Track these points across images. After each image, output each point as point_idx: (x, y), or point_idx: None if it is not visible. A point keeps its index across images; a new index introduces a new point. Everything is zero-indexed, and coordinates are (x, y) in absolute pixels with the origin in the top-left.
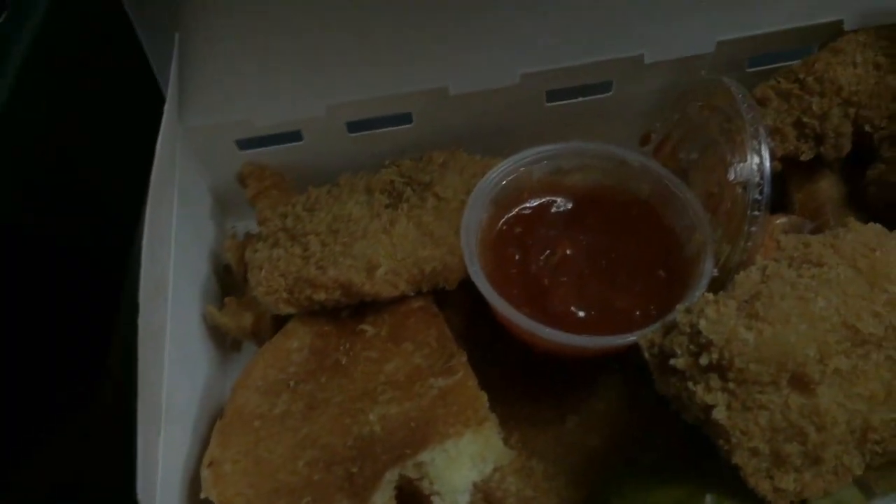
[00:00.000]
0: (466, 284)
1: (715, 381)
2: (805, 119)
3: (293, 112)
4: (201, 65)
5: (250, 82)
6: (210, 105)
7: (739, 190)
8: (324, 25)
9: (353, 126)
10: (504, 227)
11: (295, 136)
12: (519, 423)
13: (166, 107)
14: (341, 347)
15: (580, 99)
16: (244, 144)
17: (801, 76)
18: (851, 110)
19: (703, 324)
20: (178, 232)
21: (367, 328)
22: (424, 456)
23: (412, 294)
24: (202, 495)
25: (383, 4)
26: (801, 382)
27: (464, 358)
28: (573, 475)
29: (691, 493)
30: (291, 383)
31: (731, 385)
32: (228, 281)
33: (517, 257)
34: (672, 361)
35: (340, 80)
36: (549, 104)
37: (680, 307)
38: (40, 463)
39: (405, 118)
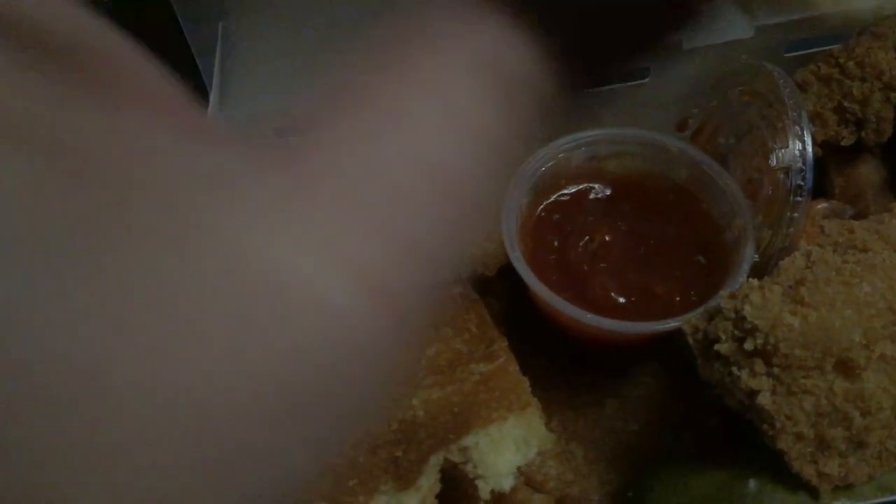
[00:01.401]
0: (505, 271)
1: (760, 366)
2: (846, 104)
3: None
4: (243, 55)
5: (292, 73)
6: (250, 94)
7: (781, 175)
8: (364, 16)
9: None
10: (542, 214)
11: None
12: (559, 407)
13: (211, 97)
14: None
15: (618, 85)
16: (282, 133)
17: (842, 61)
18: (893, 94)
19: (748, 309)
20: None
21: None
22: (468, 440)
23: (451, 280)
24: None
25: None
26: (846, 367)
27: (505, 343)
28: (613, 459)
29: (734, 478)
30: None
31: (776, 370)
32: None
33: (556, 244)
34: (716, 347)
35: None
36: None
37: (724, 293)
38: None
39: None
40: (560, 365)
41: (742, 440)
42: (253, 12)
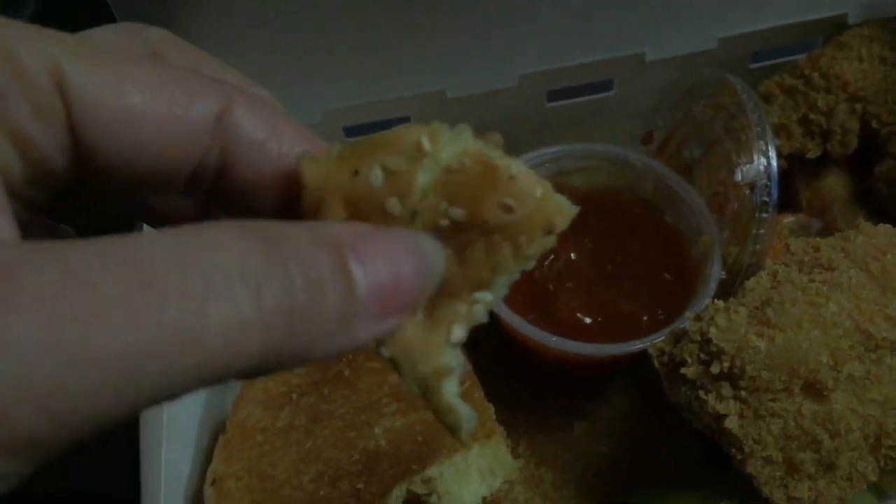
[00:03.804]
0: None
1: (726, 389)
2: (811, 115)
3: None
4: None
5: None
6: None
7: (746, 191)
8: (320, 29)
9: (351, 131)
10: None
11: None
12: (527, 430)
13: None
14: (344, 359)
15: (581, 99)
16: None
17: (806, 72)
18: (858, 106)
19: (713, 332)
20: None
21: None
22: (432, 471)
23: None
24: None
25: (378, 8)
26: (814, 389)
27: (469, 367)
28: (582, 483)
29: (705, 502)
30: (294, 396)
31: (743, 393)
32: None
33: None
34: (683, 370)
35: (338, 84)
36: (549, 105)
37: (689, 314)
38: (42, 478)
39: (404, 122)
40: (527, 387)
41: (714, 461)
42: (202, 30)
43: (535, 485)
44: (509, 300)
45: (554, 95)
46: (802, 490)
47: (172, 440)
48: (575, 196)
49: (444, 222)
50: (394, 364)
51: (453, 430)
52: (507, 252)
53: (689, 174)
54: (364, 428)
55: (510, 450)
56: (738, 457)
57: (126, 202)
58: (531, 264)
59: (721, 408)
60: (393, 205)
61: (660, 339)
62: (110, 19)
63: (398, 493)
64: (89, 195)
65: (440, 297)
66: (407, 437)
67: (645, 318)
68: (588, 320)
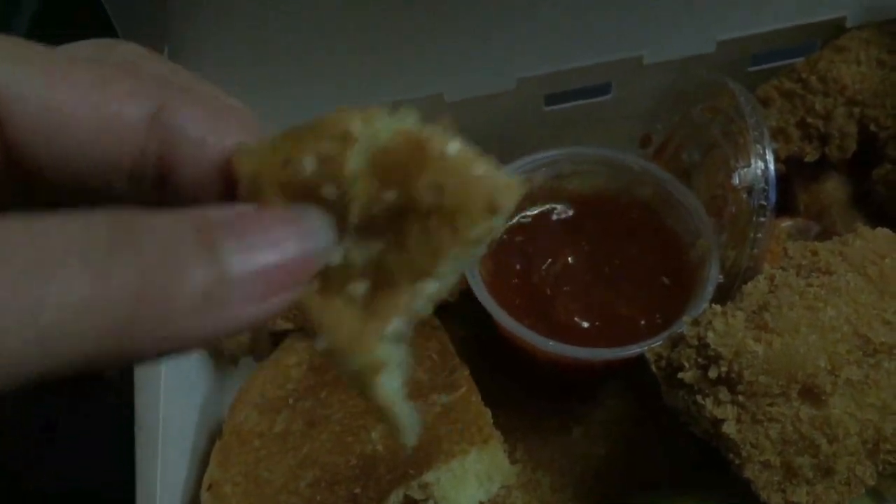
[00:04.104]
0: (468, 295)
1: (724, 394)
2: (809, 119)
3: (286, 123)
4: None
5: (242, 96)
6: None
7: (744, 195)
8: (316, 34)
9: None
10: (504, 236)
11: None
12: (524, 434)
13: None
14: None
15: (579, 102)
16: None
17: (804, 75)
18: (856, 109)
19: (711, 336)
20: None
21: None
22: (429, 476)
23: None
24: None
25: (375, 13)
26: (811, 394)
27: (466, 372)
28: (580, 487)
29: None
30: (291, 400)
31: (741, 398)
32: None
33: (518, 267)
34: (680, 375)
35: (334, 88)
36: (547, 108)
37: (687, 319)
38: (37, 479)
39: None
40: (525, 391)
41: (711, 465)
42: (200, 38)
43: (532, 489)
44: (507, 304)
45: (552, 99)
46: (800, 495)
47: (168, 445)
48: (572, 200)
49: (380, 207)
50: (328, 357)
51: (394, 432)
52: (446, 236)
53: (688, 178)
54: (361, 432)
55: (507, 454)
56: (736, 461)
57: (72, 200)
58: (480, 249)
59: (719, 412)
60: (328, 189)
61: (657, 343)
62: (109, 21)
63: (395, 498)
64: (34, 195)
65: (381, 287)
66: None
67: (642, 321)
68: (586, 324)
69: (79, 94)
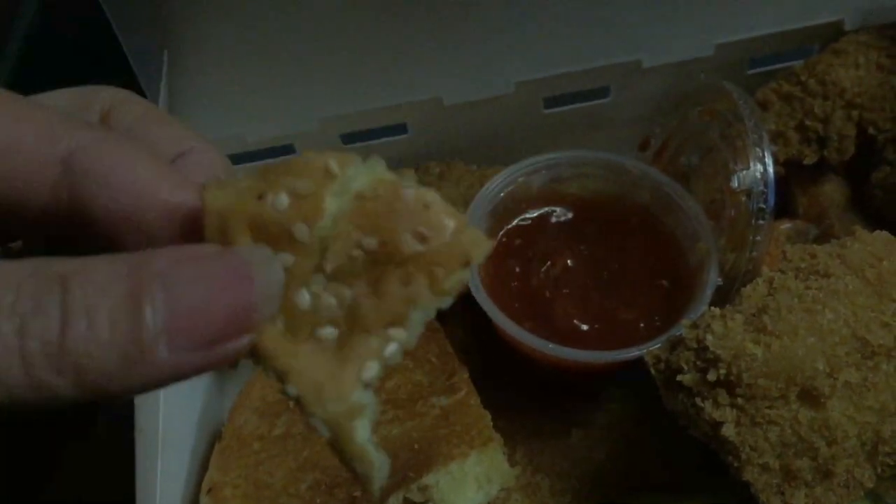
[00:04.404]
0: (467, 298)
1: (723, 396)
2: (808, 122)
3: (285, 126)
4: (191, 82)
5: (241, 98)
6: (201, 121)
7: (743, 198)
8: (316, 38)
9: (348, 138)
10: (504, 239)
11: (288, 150)
12: (523, 437)
13: None
14: None
15: (577, 105)
16: (237, 160)
17: (803, 78)
18: (855, 112)
19: (710, 339)
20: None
21: None
22: (429, 479)
23: None
24: None
25: (374, 16)
26: (810, 396)
27: (466, 374)
28: (579, 490)
29: None
30: (291, 404)
31: (740, 401)
32: None
33: (518, 270)
34: (679, 377)
35: (333, 92)
36: (545, 111)
37: (685, 322)
38: (40, 490)
39: (400, 129)
40: (524, 394)
41: (710, 468)
42: (199, 40)
43: (532, 492)
44: (506, 306)
45: (550, 102)
46: (799, 497)
47: (168, 448)
48: (571, 203)
49: (358, 253)
50: (299, 403)
51: (364, 478)
52: (423, 284)
53: (686, 181)
54: None
55: (507, 457)
56: (735, 464)
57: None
58: (448, 301)
59: (718, 415)
60: (300, 230)
61: (656, 346)
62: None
63: (395, 501)
64: None
65: (353, 332)
66: (404, 445)
67: (642, 324)
68: (585, 327)
69: None
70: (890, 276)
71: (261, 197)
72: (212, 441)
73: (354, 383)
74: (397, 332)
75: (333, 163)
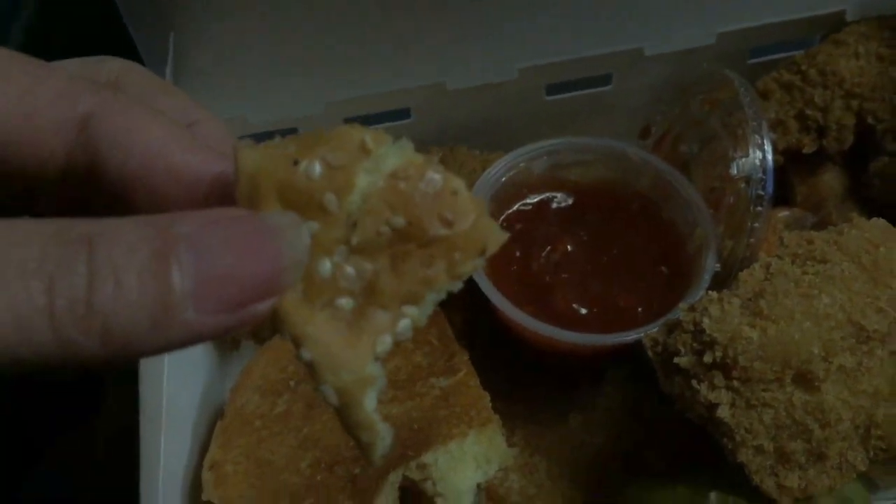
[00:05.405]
0: (467, 282)
1: (719, 379)
2: (807, 111)
3: (291, 109)
4: (196, 64)
5: (247, 81)
6: (206, 104)
7: (742, 185)
8: (320, 22)
9: (351, 121)
10: (504, 224)
11: (291, 133)
12: (522, 420)
13: None
14: None
15: (580, 92)
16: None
17: (804, 68)
18: (854, 102)
19: (706, 322)
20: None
21: None
22: (428, 457)
23: None
24: (204, 497)
25: (379, 1)
26: (805, 380)
27: (465, 356)
28: (577, 473)
29: (695, 493)
30: (292, 383)
31: (735, 383)
32: None
33: (518, 254)
34: (676, 360)
35: (337, 76)
36: (548, 98)
37: (683, 305)
38: (41, 476)
39: (403, 114)
40: (524, 377)
41: (707, 453)
42: (204, 22)
43: (529, 473)
44: (506, 290)
45: (553, 89)
46: (793, 479)
47: (171, 426)
48: (572, 189)
49: (385, 229)
50: (311, 369)
51: (368, 448)
52: (441, 268)
53: (687, 169)
54: None
55: (505, 438)
56: (730, 446)
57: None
58: (458, 286)
59: (713, 397)
60: (330, 200)
61: (654, 329)
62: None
63: (394, 478)
64: None
65: (369, 305)
66: (403, 424)
67: (640, 309)
68: (584, 311)
69: (11, 93)
70: (886, 262)
71: (295, 163)
72: (214, 420)
73: (369, 355)
74: (411, 310)
75: (369, 138)
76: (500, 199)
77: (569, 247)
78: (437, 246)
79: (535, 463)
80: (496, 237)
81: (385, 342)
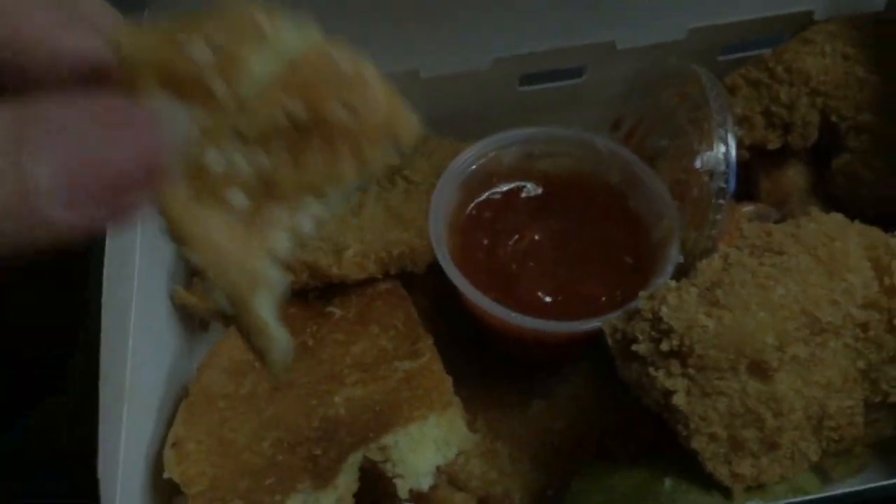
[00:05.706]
0: (435, 268)
1: (675, 367)
2: (773, 108)
3: None
4: None
5: None
6: None
7: (706, 178)
8: (291, 7)
9: None
10: (473, 212)
11: None
12: (484, 406)
13: None
14: (308, 329)
15: (553, 84)
16: None
17: (771, 65)
18: (819, 100)
19: (664, 310)
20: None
21: (335, 310)
22: (388, 439)
23: (380, 277)
24: (165, 475)
25: None
26: (759, 369)
27: (430, 341)
28: (538, 459)
29: (651, 478)
30: (258, 364)
31: (691, 371)
32: None
33: (485, 242)
34: (634, 347)
35: None
36: (521, 88)
37: (643, 294)
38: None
39: None
40: (487, 363)
41: (664, 440)
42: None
43: (491, 458)
44: (473, 277)
45: (526, 79)
46: (745, 467)
47: (134, 402)
48: (542, 179)
49: (282, 119)
50: (202, 273)
51: (263, 354)
52: (346, 157)
53: (654, 162)
54: (325, 396)
55: (467, 424)
56: (684, 433)
57: None
58: (368, 180)
59: (669, 384)
60: (219, 86)
61: (614, 317)
62: None
63: (354, 459)
64: None
65: (266, 200)
66: (366, 407)
67: (604, 298)
68: (549, 299)
69: None
70: (841, 255)
71: (184, 46)
72: (178, 398)
73: (259, 251)
74: (313, 205)
75: (263, 18)
76: (470, 187)
77: (536, 236)
78: (341, 136)
79: (498, 448)
80: (410, 128)
81: (282, 239)
